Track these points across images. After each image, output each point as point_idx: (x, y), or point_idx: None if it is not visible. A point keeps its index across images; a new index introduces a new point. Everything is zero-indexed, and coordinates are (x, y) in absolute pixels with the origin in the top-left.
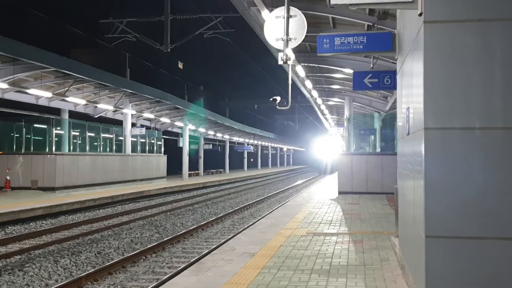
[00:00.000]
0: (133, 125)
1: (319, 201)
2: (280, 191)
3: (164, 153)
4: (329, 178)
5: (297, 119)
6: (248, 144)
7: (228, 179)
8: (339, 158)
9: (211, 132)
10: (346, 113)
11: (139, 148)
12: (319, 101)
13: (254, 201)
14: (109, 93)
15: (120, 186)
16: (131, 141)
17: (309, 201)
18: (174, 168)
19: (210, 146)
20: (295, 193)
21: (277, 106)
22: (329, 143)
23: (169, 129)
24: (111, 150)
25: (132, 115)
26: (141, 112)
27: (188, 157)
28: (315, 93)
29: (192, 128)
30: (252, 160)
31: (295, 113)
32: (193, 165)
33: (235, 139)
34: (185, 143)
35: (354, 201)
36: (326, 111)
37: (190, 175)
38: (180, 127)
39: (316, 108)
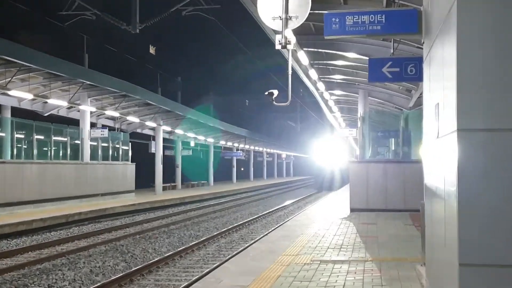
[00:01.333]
0: (93, 125)
1: (327, 221)
2: (277, 208)
3: (132, 161)
4: (338, 192)
5: (298, 119)
6: (237, 150)
7: (213, 193)
8: (351, 166)
9: (190, 135)
10: (360, 110)
11: (100, 154)
12: (326, 95)
13: (245, 220)
14: (63, 85)
15: (77, 203)
16: (91, 145)
17: (314, 220)
18: (144, 180)
19: (190, 152)
20: (296, 210)
21: (274, 102)
22: (337, 148)
23: (139, 130)
24: (65, 157)
25: (91, 112)
26: (102, 109)
27: (162, 165)
28: (321, 86)
29: (167, 129)
30: (243, 169)
31: (296, 111)
32: (169, 176)
33: (222, 143)
34: (158, 148)
35: (370, 220)
36: (335, 108)
37: (165, 188)
38: (152, 128)
39: (323, 104)
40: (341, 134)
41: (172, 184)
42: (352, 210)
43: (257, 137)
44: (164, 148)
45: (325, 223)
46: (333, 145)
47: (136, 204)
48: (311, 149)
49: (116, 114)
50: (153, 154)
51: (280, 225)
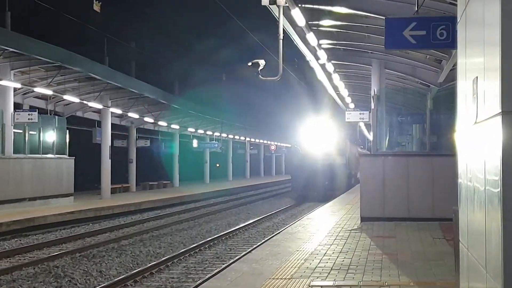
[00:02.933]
0: (18, 106)
1: (330, 233)
2: (264, 216)
3: (70, 154)
4: (343, 197)
5: (291, 97)
6: (212, 140)
7: (179, 197)
8: (362, 162)
9: (148, 119)
10: (374, 87)
11: (27, 145)
12: (330, 67)
13: (221, 233)
14: None
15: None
16: (14, 133)
17: (313, 232)
18: (87, 179)
19: (148, 143)
20: (289, 219)
21: (260, 76)
22: (338, 131)
23: (79, 113)
24: None
25: (15, 90)
26: (31, 85)
27: (110, 160)
28: (322, 54)
29: (117, 112)
30: (218, 165)
31: (289, 87)
32: (121, 175)
33: (190, 130)
34: (105, 137)
35: (387, 232)
36: (340, 85)
37: (114, 190)
38: (98, 111)
39: (325, 80)
40: (350, 118)
41: (124, 185)
42: (363, 219)
43: (238, 122)
44: (114, 137)
45: (327, 237)
46: (329, 126)
47: (76, 212)
48: (291, 131)
49: (48, 91)
50: (99, 146)
51: (267, 239)
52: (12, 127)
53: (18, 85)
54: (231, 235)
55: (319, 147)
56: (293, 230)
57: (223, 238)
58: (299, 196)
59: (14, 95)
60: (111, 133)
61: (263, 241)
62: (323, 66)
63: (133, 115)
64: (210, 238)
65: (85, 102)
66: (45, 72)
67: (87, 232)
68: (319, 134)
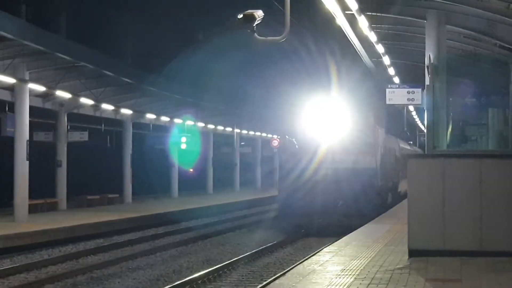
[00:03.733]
0: None
1: (362, 274)
2: (260, 249)
3: None
4: (376, 224)
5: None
6: (183, 132)
7: (131, 218)
8: (411, 166)
9: (86, 101)
10: (430, 53)
11: None
12: (362, 22)
13: (195, 275)
14: None
15: None
16: None
17: (337, 273)
18: None
19: (85, 136)
20: (300, 252)
21: (256, 35)
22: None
23: None
24: None
25: None
26: None
27: (28, 162)
28: (351, 2)
29: (39, 89)
30: (192, 170)
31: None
32: (45, 184)
33: (150, 117)
34: (20, 128)
35: (449, 273)
36: (379, 49)
37: (35, 208)
38: (8, 87)
39: (355, 40)
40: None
41: (50, 200)
42: (412, 252)
43: (224, 104)
44: (34, 127)
45: (358, 280)
46: (347, 104)
47: None
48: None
49: None
50: (10, 140)
51: (267, 284)
52: None
53: None
54: (211, 277)
55: (327, 141)
56: (305, 270)
57: (199, 281)
58: (292, 225)
59: None
60: (30, 121)
61: (261, 285)
62: (350, 20)
63: (63, 93)
64: (178, 283)
65: None
66: None
67: None
68: (326, 117)
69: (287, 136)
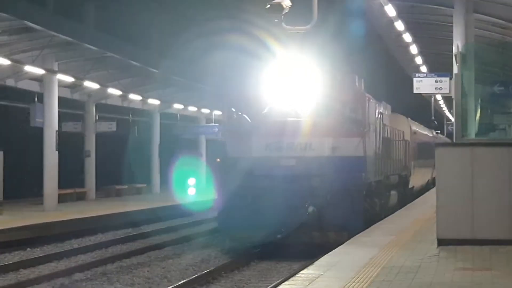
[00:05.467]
0: None
1: (387, 267)
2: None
3: None
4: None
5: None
6: (211, 122)
7: (157, 207)
8: (439, 155)
9: (114, 91)
10: (458, 41)
11: None
12: (390, 10)
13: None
14: None
15: None
16: None
17: (360, 267)
18: (23, 182)
19: (113, 127)
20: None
21: (283, 24)
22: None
23: (10, 82)
24: None
25: None
26: None
27: (57, 152)
28: None
29: (67, 80)
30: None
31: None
32: (74, 174)
33: (177, 107)
34: (49, 119)
35: (478, 261)
36: (407, 38)
37: (65, 198)
38: (37, 78)
39: (382, 30)
40: (419, 85)
41: (79, 190)
42: (441, 241)
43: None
44: (62, 118)
45: (384, 271)
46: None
47: (6, 231)
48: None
49: None
50: (40, 131)
51: None
52: None
53: None
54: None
55: (291, 115)
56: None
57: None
58: (238, 242)
59: None
60: (58, 112)
61: None
62: (379, 8)
63: (92, 84)
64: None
65: (19, 64)
66: None
67: (22, 261)
68: (292, 80)
69: (233, 109)
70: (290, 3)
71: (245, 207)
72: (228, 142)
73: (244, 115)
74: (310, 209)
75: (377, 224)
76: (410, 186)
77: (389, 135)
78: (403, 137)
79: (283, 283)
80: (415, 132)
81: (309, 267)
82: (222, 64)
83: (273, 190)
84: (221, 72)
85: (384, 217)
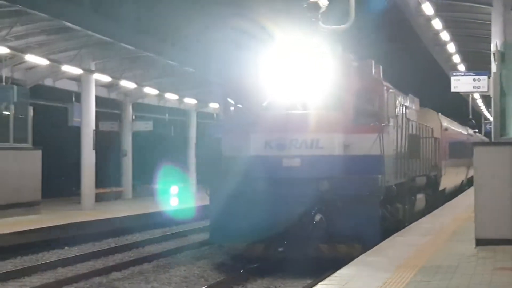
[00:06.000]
0: None
1: (425, 267)
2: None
3: (36, 143)
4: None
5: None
6: None
7: (192, 207)
8: (478, 154)
9: (150, 91)
10: (496, 39)
11: None
12: (427, 8)
13: None
14: None
15: None
16: None
17: (395, 266)
18: (61, 180)
19: (150, 126)
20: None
21: (321, 23)
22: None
23: (48, 82)
24: None
25: None
26: None
27: (94, 152)
28: None
29: (104, 79)
30: None
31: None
32: (111, 173)
33: (214, 106)
34: (86, 118)
35: None
36: (445, 36)
37: (101, 197)
38: (75, 77)
39: (419, 28)
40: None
41: (116, 189)
42: (480, 241)
43: None
44: (99, 117)
45: (421, 271)
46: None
47: (44, 230)
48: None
49: (2, 49)
50: (77, 130)
51: None
52: None
53: None
54: None
55: (296, 107)
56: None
57: None
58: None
59: None
60: (96, 111)
61: None
62: (416, 7)
63: (128, 84)
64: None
65: (56, 63)
66: None
67: (60, 259)
68: (299, 68)
69: (230, 101)
70: (327, 2)
71: (242, 215)
72: (223, 139)
73: (241, 107)
74: (317, 217)
75: (412, 224)
76: (441, 188)
77: (415, 131)
78: (432, 134)
79: (320, 283)
80: (446, 129)
81: (346, 266)
82: (220, 48)
83: (274, 195)
84: (218, 57)
85: (409, 224)
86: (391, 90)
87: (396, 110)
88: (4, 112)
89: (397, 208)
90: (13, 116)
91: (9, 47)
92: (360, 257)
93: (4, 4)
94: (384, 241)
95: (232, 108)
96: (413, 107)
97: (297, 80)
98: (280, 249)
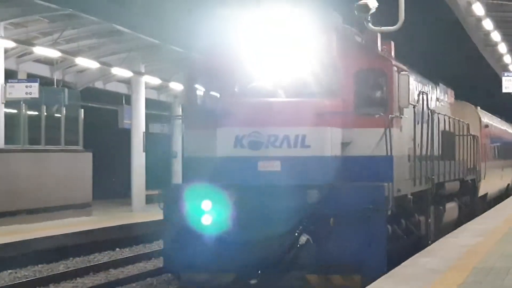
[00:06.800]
0: (11, 75)
1: (477, 268)
2: None
3: (87, 145)
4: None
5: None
6: None
7: None
8: None
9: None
10: None
11: (24, 132)
12: (478, 9)
13: None
14: None
15: None
16: (6, 114)
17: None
18: (112, 182)
19: None
20: None
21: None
22: None
23: (99, 85)
24: None
25: (7, 50)
26: (29, 43)
27: (144, 154)
28: None
29: (154, 82)
30: None
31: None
32: (161, 175)
33: None
34: (136, 120)
35: None
36: (495, 36)
37: (151, 198)
38: (125, 80)
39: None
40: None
41: None
42: None
43: None
44: (149, 119)
45: (473, 272)
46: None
47: (96, 232)
48: None
49: (54, 52)
50: (127, 132)
51: None
52: (2, 105)
53: (12, 44)
54: None
55: (271, 90)
56: None
57: None
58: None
59: (5, 58)
60: (146, 113)
61: None
62: (466, 7)
63: (178, 85)
64: None
65: (107, 66)
66: (50, 23)
67: (111, 261)
68: (274, 40)
69: (195, 85)
70: (377, 4)
71: (205, 237)
72: (185, 135)
73: (208, 93)
74: (303, 238)
75: (464, 225)
76: (480, 193)
77: (445, 127)
78: (469, 130)
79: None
80: (487, 126)
81: (399, 267)
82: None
83: (246, 209)
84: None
85: (437, 239)
86: (404, 72)
87: (414, 98)
88: (56, 115)
89: (417, 222)
90: (64, 118)
91: (61, 51)
92: (411, 258)
93: (56, 8)
94: (435, 242)
95: (198, 94)
96: (445, 99)
97: (280, 58)
98: (253, 281)
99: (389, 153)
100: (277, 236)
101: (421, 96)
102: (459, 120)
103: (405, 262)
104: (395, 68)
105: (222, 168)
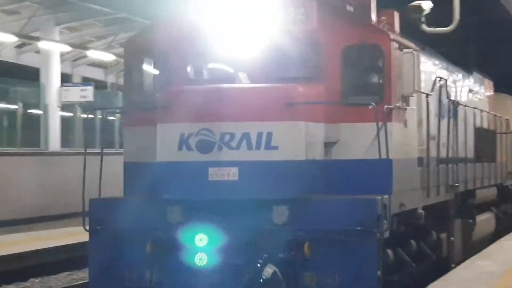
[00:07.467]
0: (66, 78)
1: None
2: None
3: None
4: None
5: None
6: None
7: None
8: None
9: None
10: None
11: (80, 135)
12: None
13: None
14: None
15: (43, 231)
16: (62, 118)
17: None
18: None
19: None
20: None
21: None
22: None
23: None
24: (12, 142)
25: (63, 54)
26: (84, 46)
27: None
28: None
29: None
30: None
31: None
32: None
33: None
34: None
35: None
36: None
37: None
38: None
39: None
40: None
41: None
42: None
43: None
44: None
45: None
46: None
47: None
48: None
49: (109, 56)
50: None
51: None
52: (58, 109)
53: (67, 48)
54: None
55: (228, 74)
56: None
57: None
58: None
59: (61, 61)
60: None
61: None
62: None
63: None
64: None
65: None
66: (104, 27)
67: None
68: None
69: (138, 67)
70: (431, 4)
71: (142, 268)
72: (124, 133)
73: (152, 78)
74: (269, 271)
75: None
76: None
77: (478, 123)
78: (509, 127)
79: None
80: None
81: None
82: None
83: (193, 232)
84: None
85: (467, 258)
86: (407, 50)
87: (427, 85)
88: (109, 118)
89: (435, 242)
90: (119, 122)
91: (114, 54)
92: (468, 260)
93: (109, 12)
94: (491, 245)
95: (140, 77)
96: (481, 90)
97: (244, 32)
98: None
99: (386, 155)
100: (233, 266)
101: (440, 83)
102: (497, 115)
103: (462, 264)
104: (396, 45)
105: (161, 178)
